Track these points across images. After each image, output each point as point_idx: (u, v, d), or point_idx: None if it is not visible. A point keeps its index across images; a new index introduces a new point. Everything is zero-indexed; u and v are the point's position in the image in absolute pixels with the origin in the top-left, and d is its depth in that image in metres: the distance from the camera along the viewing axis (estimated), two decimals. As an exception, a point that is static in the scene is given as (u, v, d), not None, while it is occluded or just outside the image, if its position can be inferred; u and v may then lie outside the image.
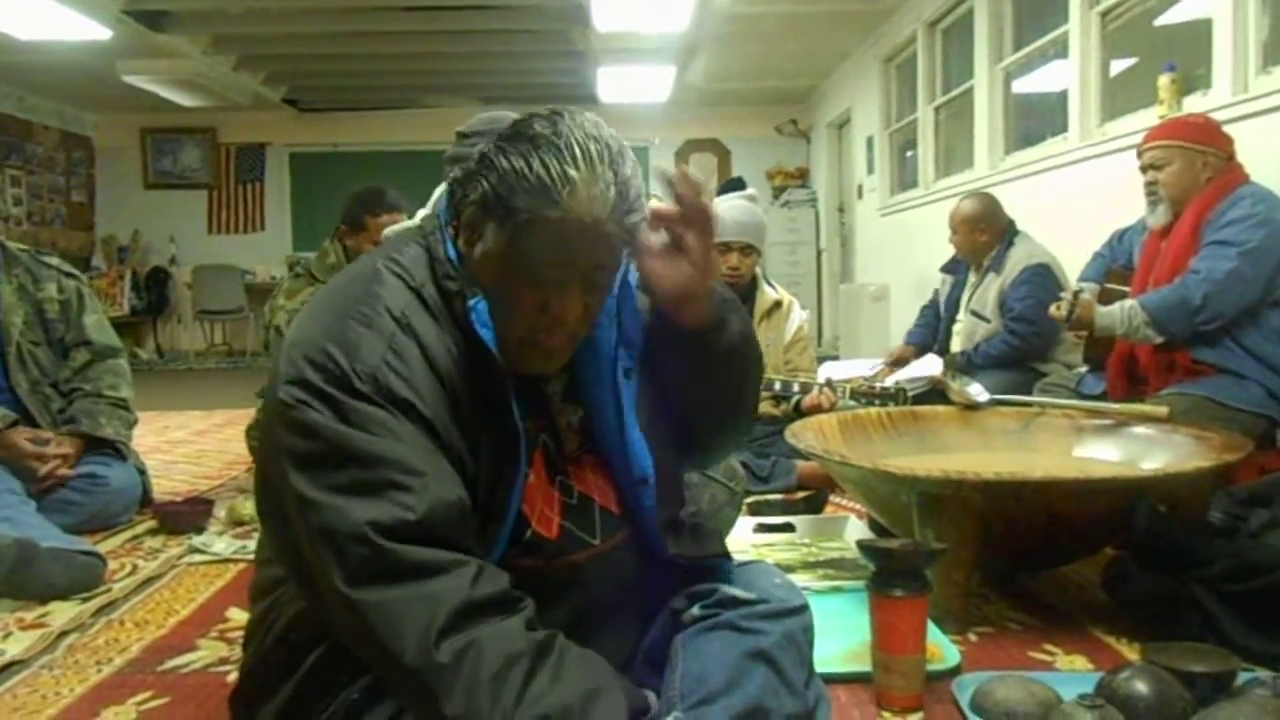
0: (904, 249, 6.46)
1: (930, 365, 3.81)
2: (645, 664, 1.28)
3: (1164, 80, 3.48)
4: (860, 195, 7.71)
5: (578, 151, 1.08)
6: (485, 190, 1.12)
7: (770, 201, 8.94)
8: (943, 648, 1.66)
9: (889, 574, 1.49)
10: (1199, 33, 3.42)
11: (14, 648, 1.81)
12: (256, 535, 2.52)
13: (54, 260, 2.87)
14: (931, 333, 4.20)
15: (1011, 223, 3.79)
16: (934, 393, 3.60)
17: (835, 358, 6.03)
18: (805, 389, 3.09)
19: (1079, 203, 4.03)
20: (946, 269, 4.13)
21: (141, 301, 9.17)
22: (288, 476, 1.04)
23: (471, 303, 1.12)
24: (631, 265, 1.28)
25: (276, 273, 9.50)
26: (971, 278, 3.93)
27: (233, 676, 1.67)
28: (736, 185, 3.38)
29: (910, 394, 3.04)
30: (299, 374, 1.06)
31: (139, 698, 1.59)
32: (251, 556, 2.37)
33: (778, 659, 1.17)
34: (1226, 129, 2.75)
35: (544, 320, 1.14)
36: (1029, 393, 3.10)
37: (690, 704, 1.13)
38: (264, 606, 1.26)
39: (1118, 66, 4.13)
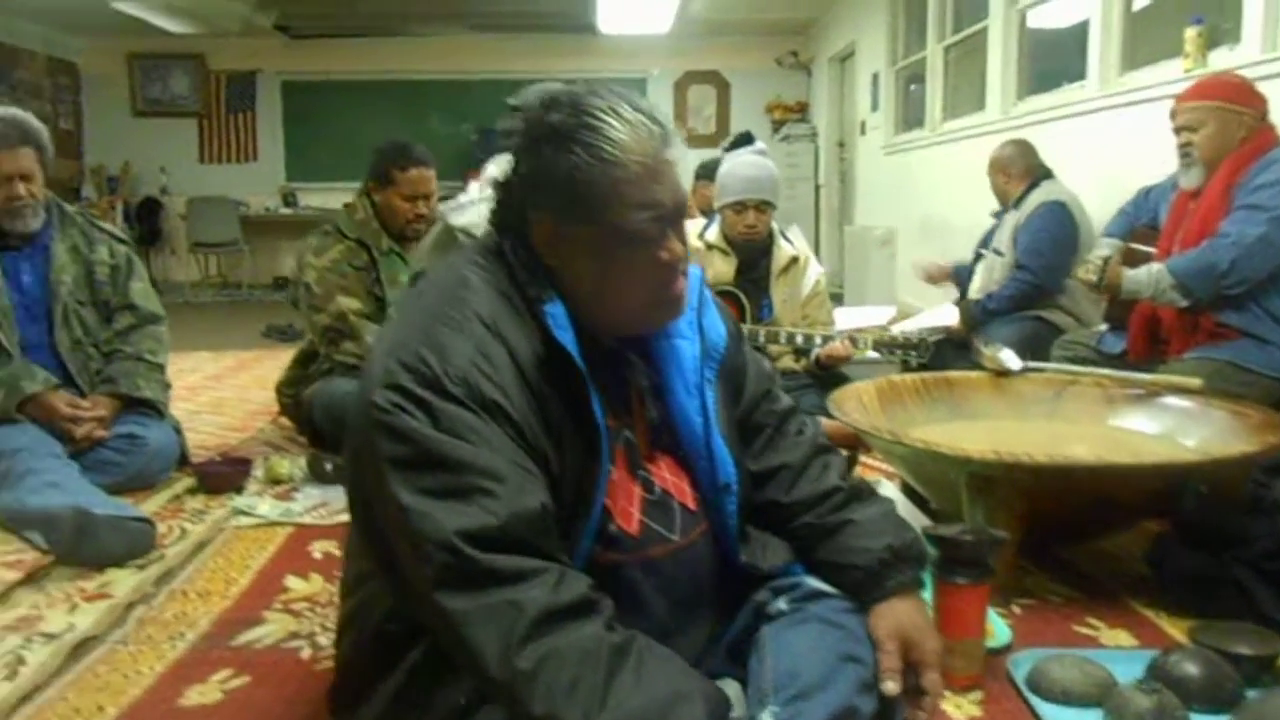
0: (909, 190, 6.44)
1: (946, 314, 3.85)
2: (726, 654, 1.34)
3: (1190, 33, 3.45)
4: (863, 132, 7.64)
5: (606, 117, 1.14)
6: (553, 204, 1.16)
7: (769, 135, 8.85)
8: (995, 625, 1.72)
9: (953, 562, 1.54)
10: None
11: (83, 621, 1.86)
12: (297, 496, 2.59)
13: (107, 225, 2.90)
14: None
15: (1043, 168, 3.79)
16: (948, 341, 3.65)
17: (838, 299, 6.03)
18: (826, 341, 3.10)
19: (1095, 153, 4.03)
20: (996, 214, 4.13)
21: (133, 232, 9.03)
22: (384, 479, 1.07)
23: (547, 308, 1.15)
24: (704, 273, 1.32)
25: (270, 204, 9.41)
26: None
27: (307, 653, 1.73)
28: (745, 140, 3.35)
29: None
30: (393, 379, 1.09)
31: (220, 676, 1.64)
32: (296, 519, 2.43)
33: (865, 660, 1.21)
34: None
35: (660, 274, 1.18)
36: (1047, 346, 3.15)
37: (785, 698, 1.16)
38: (358, 599, 1.29)
39: (1141, 12, 4.08)
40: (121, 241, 2.87)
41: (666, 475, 1.31)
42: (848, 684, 1.17)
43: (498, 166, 2.12)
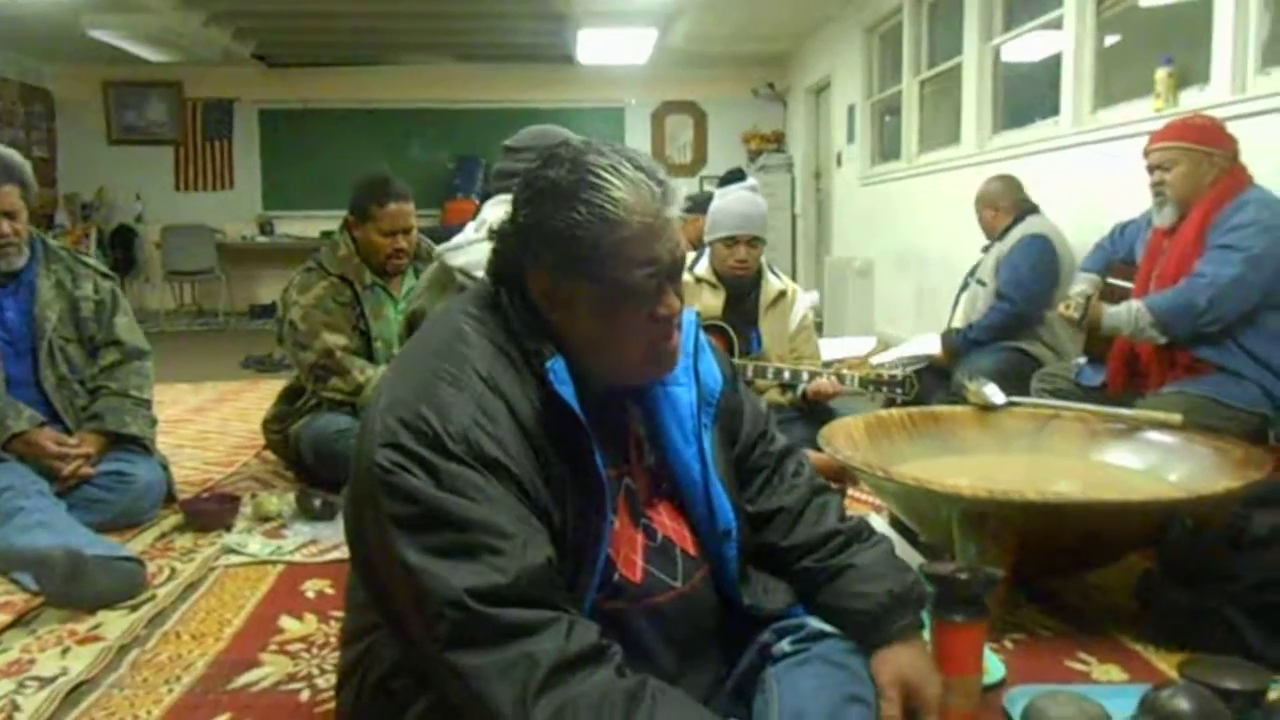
0: (886, 222, 6.53)
1: (928, 344, 3.91)
2: (732, 696, 1.35)
3: (1161, 74, 3.55)
4: (839, 163, 7.74)
5: (608, 175, 1.16)
6: (553, 259, 1.17)
7: (746, 164, 8.94)
8: (988, 661, 1.74)
9: (950, 600, 1.56)
10: (1196, 21, 3.47)
11: (76, 665, 1.84)
12: (287, 534, 2.58)
13: (91, 260, 2.88)
14: None
15: (1028, 202, 3.87)
16: (930, 369, 3.71)
17: (818, 329, 6.08)
18: (813, 377, 3.14)
19: (1069, 188, 4.11)
20: (986, 248, 4.19)
21: (108, 260, 8.97)
22: (389, 539, 1.08)
23: (549, 364, 1.17)
24: (697, 318, 1.35)
25: (247, 232, 9.38)
26: None
27: (306, 695, 1.72)
28: (737, 176, 3.42)
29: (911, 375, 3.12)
30: (394, 438, 1.10)
31: (219, 719, 1.63)
32: (286, 557, 2.42)
33: (869, 700, 1.23)
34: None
35: (657, 329, 1.20)
36: (1026, 378, 3.21)
37: (793, 739, 1.19)
38: (358, 651, 1.29)
39: (1112, 49, 4.18)
40: (106, 276, 2.86)
41: (667, 521, 1.33)
42: None
43: (494, 208, 2.15)
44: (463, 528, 1.06)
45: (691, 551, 1.33)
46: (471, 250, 2.13)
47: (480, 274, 1.94)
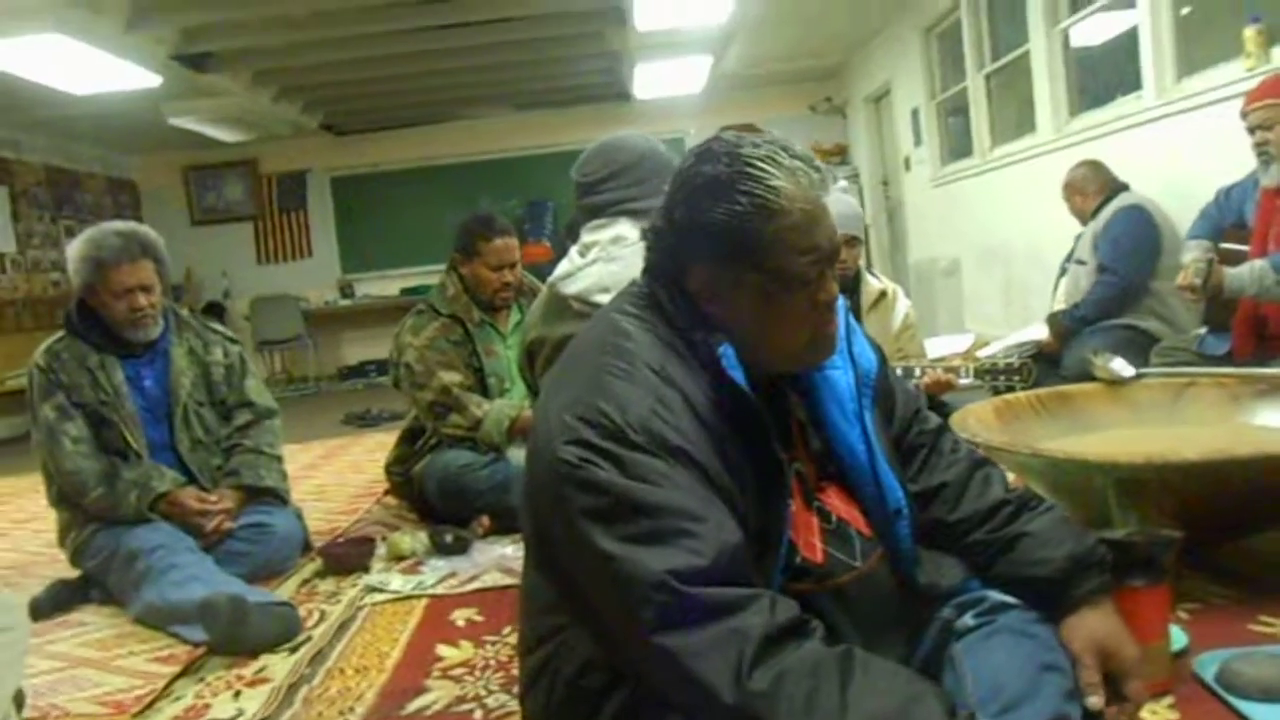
0: (963, 220, 6.45)
1: (1035, 330, 3.84)
2: (919, 674, 1.33)
3: (1250, 32, 3.46)
4: (908, 167, 7.69)
5: (766, 166, 1.16)
6: (714, 253, 1.19)
7: (811, 181, 8.90)
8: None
9: (1128, 566, 1.52)
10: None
11: (251, 705, 1.89)
12: (424, 569, 2.62)
13: (218, 326, 2.99)
14: None
15: (1118, 182, 3.80)
16: (1040, 356, 3.62)
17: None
18: (925, 372, 3.10)
19: (1158, 162, 4.02)
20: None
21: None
22: (582, 532, 1.09)
23: (720, 350, 1.18)
24: (845, 301, 1.35)
25: (329, 297, 9.63)
26: None
27: (479, 715, 1.74)
28: (828, 179, 3.39)
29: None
30: (575, 434, 1.11)
31: (400, 744, 1.66)
32: (429, 591, 2.46)
33: (1064, 668, 1.20)
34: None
35: (817, 315, 1.21)
36: (1141, 355, 3.12)
37: (994, 711, 1.16)
38: (544, 655, 1.29)
39: (1189, 16, 4.10)
40: (233, 341, 2.96)
41: (838, 504, 1.32)
42: (1054, 693, 1.16)
43: (594, 233, 2.17)
44: (655, 514, 1.07)
45: (866, 533, 1.32)
46: (581, 277, 2.15)
47: (598, 298, 1.97)
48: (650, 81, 8.12)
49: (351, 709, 1.82)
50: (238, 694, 1.96)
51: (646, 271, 1.30)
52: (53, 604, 2.60)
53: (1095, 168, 3.87)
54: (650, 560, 1.05)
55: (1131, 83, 4.36)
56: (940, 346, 4.25)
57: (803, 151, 1.21)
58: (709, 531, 1.07)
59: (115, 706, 1.94)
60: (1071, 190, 3.89)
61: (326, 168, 9.72)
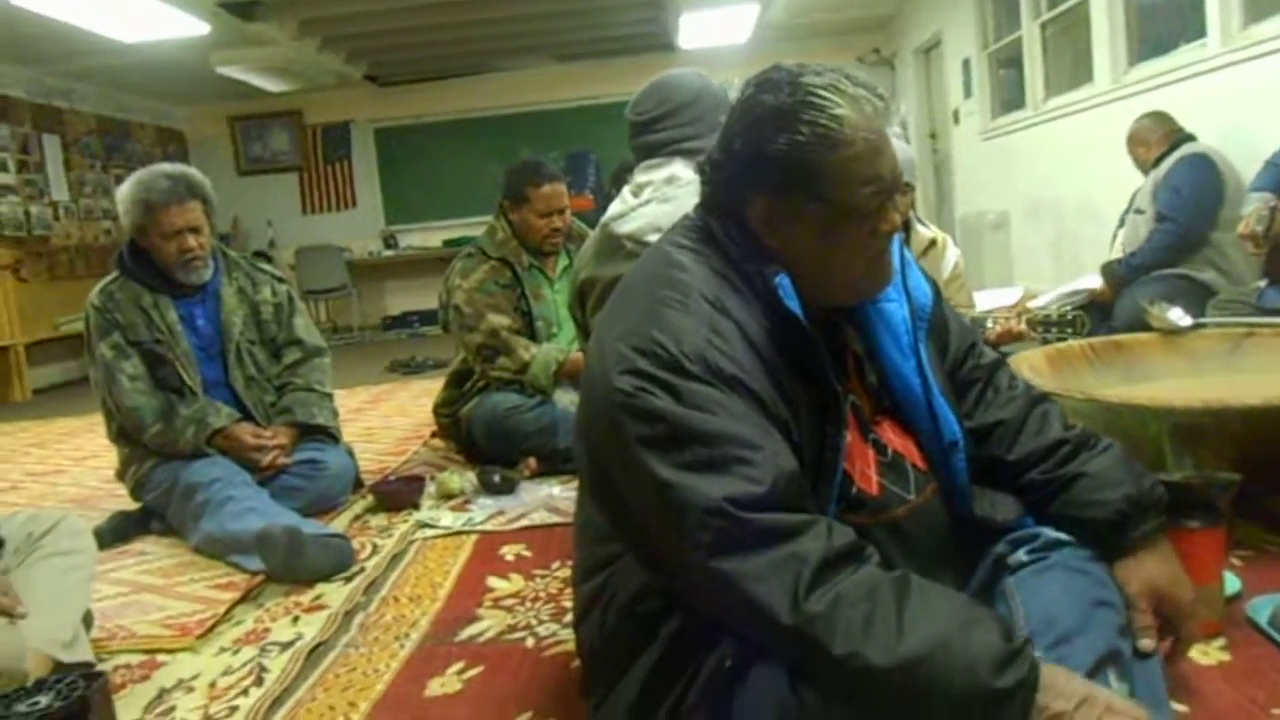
0: (1011, 174, 6.33)
1: (1087, 280, 3.79)
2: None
3: (1321, -25, 3.35)
4: (957, 120, 7.54)
5: (829, 94, 1.14)
6: (775, 183, 1.18)
7: (857, 134, 8.78)
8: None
9: (1184, 507, 1.51)
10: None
11: (309, 630, 1.94)
12: (472, 508, 2.66)
13: (267, 266, 3.04)
14: None
15: (1182, 131, 3.72)
16: (1092, 305, 3.57)
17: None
18: (997, 321, 3.07)
19: (1222, 112, 3.91)
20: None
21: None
22: (639, 460, 1.09)
23: (777, 280, 1.17)
24: (900, 234, 1.33)
25: (373, 248, 9.70)
26: None
27: (530, 643, 1.78)
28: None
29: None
30: (630, 364, 1.11)
31: (455, 668, 1.70)
32: (479, 527, 2.50)
33: (1117, 604, 1.20)
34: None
35: (876, 244, 1.20)
36: (1197, 306, 3.06)
37: (1046, 644, 1.16)
38: (598, 583, 1.30)
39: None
40: (281, 281, 3.01)
41: (893, 437, 1.32)
42: (1107, 627, 1.16)
43: (647, 173, 2.16)
44: (711, 442, 1.07)
45: (921, 466, 1.32)
46: (635, 217, 2.15)
47: (651, 238, 1.97)
48: (695, 31, 8.01)
49: (407, 635, 1.87)
50: (296, 619, 2.02)
51: (701, 204, 1.30)
52: (115, 534, 2.68)
53: (1159, 118, 3.79)
54: (707, 487, 1.06)
55: (1195, 30, 4.23)
56: (988, 300, 4.22)
57: (865, 80, 1.18)
58: (765, 459, 1.07)
59: (180, 629, 2.00)
60: (1135, 142, 3.81)
61: (370, 119, 9.74)
